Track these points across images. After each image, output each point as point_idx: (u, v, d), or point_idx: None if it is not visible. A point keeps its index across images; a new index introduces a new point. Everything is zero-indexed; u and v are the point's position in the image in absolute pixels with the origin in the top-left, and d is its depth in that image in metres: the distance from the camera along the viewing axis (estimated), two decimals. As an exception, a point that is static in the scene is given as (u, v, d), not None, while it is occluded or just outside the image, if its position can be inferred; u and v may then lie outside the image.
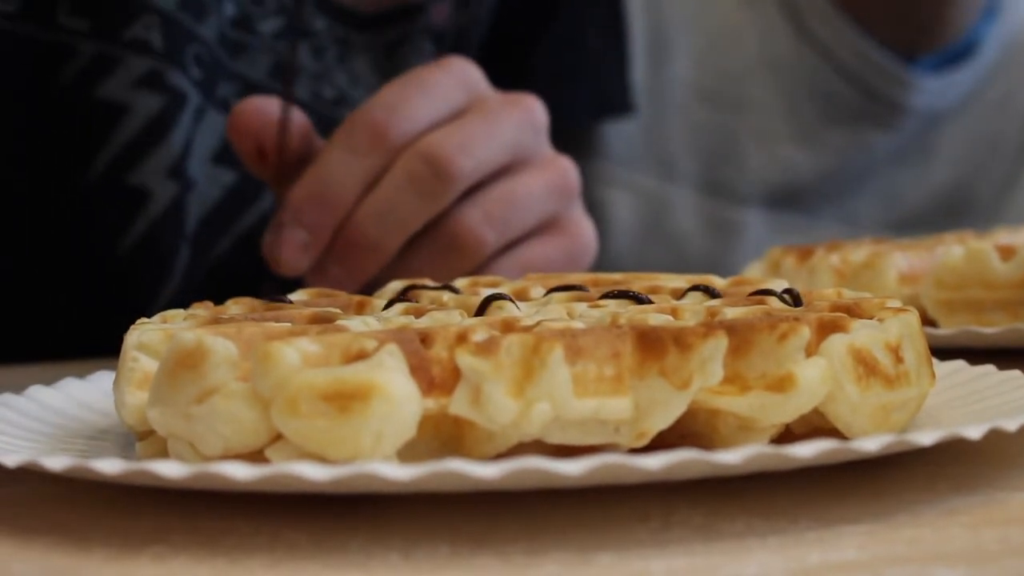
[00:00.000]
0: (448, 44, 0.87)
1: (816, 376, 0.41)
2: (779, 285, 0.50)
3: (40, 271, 0.78)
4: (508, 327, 0.42)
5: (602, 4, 1.04)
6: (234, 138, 0.66)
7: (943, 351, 0.54)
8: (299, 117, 0.66)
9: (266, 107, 0.65)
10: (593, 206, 1.05)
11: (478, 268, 0.65)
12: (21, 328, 0.78)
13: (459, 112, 0.66)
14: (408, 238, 0.65)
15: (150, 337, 0.44)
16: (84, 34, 0.74)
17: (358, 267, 0.64)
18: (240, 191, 0.80)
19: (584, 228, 0.70)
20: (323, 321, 0.45)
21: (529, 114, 0.68)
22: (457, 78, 0.67)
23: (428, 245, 0.65)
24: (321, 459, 0.38)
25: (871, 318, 0.45)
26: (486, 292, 0.50)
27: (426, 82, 0.66)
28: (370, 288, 0.62)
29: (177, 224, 0.78)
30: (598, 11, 1.03)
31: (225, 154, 0.79)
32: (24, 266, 0.78)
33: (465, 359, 0.39)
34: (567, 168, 0.69)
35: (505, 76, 0.86)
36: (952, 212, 1.16)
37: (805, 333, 0.41)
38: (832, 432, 0.42)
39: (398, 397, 0.38)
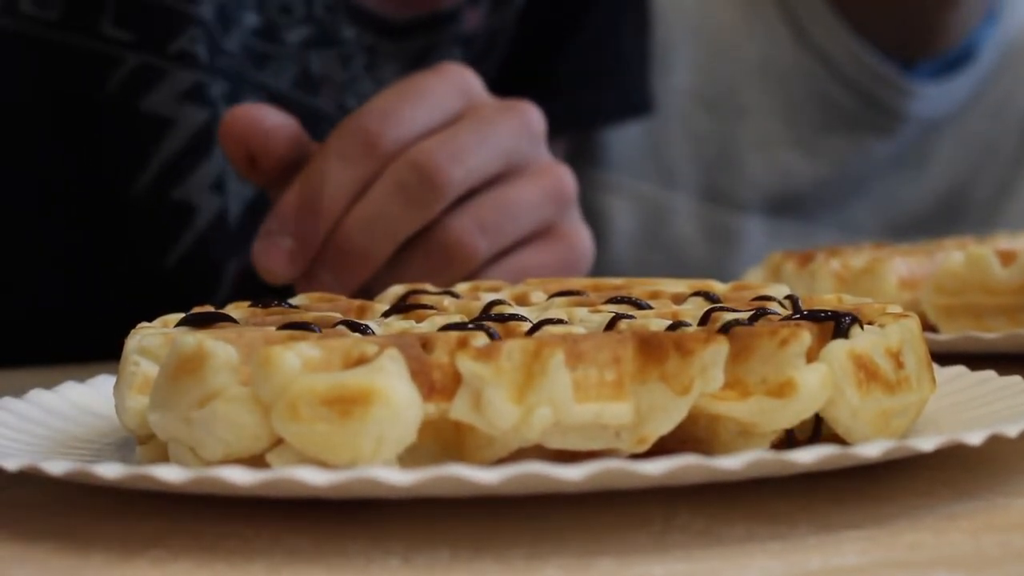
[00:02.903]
0: (478, 48, 0.87)
1: (817, 381, 0.41)
2: (780, 291, 0.50)
3: (88, 284, 0.78)
4: (509, 332, 0.42)
5: (632, 7, 1.03)
6: (224, 144, 0.66)
7: (944, 356, 0.54)
8: (290, 122, 0.66)
9: (256, 113, 0.65)
10: (593, 213, 1.05)
11: (471, 275, 0.65)
12: (67, 340, 0.77)
13: (454, 119, 0.66)
14: (399, 246, 0.64)
15: (151, 341, 0.44)
16: (128, 45, 0.74)
17: (348, 275, 0.64)
18: (254, 206, 0.80)
19: (580, 235, 0.69)
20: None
21: (525, 121, 0.67)
22: (453, 85, 0.66)
23: (420, 253, 0.65)
24: (322, 464, 0.38)
25: (872, 323, 0.45)
26: (487, 297, 0.50)
27: (421, 89, 0.65)
28: (370, 293, 0.62)
29: (224, 237, 0.78)
30: (628, 15, 1.02)
31: None
32: (71, 279, 0.78)
33: (466, 364, 0.39)
34: (563, 175, 0.68)
35: (531, 78, 0.85)
36: (950, 217, 1.16)
37: (806, 338, 0.41)
38: (833, 438, 0.42)
39: (399, 402, 0.38)
